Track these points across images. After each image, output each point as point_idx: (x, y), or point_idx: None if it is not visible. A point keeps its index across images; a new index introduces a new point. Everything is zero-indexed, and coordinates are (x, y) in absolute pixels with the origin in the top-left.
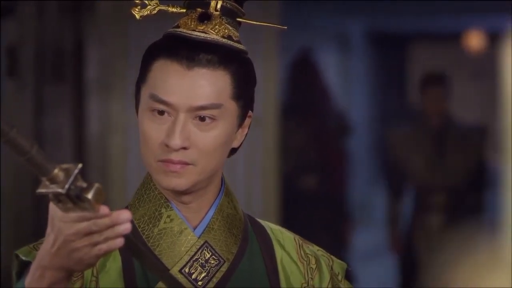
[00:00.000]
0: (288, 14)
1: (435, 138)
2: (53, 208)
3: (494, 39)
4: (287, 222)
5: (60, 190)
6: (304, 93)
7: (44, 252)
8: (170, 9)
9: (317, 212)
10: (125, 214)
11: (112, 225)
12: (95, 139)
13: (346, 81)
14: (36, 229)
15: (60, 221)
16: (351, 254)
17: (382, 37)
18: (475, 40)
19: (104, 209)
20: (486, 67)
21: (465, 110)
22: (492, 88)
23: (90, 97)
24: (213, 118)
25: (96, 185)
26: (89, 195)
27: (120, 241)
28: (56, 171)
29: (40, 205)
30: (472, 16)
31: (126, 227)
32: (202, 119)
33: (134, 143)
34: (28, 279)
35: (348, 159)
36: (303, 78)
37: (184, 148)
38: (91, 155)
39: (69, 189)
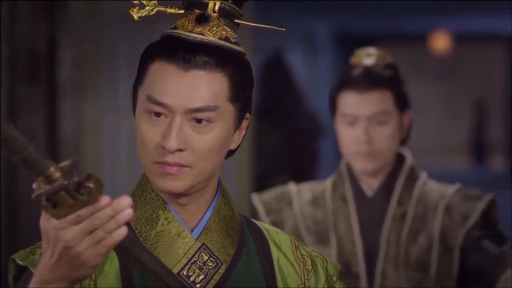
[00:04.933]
0: (256, 16)
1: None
2: (45, 220)
3: (460, 40)
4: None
5: (62, 182)
6: (277, 94)
7: (43, 266)
8: (168, 10)
9: None
10: (126, 200)
11: (114, 215)
12: (68, 140)
13: (312, 81)
14: (11, 236)
15: (57, 229)
16: None
17: (348, 38)
18: (441, 41)
19: (105, 199)
20: (451, 68)
21: (428, 112)
22: (457, 89)
23: (63, 98)
24: (209, 121)
25: (94, 175)
26: (90, 184)
27: (123, 230)
28: (52, 169)
29: (16, 211)
30: (438, 17)
31: (128, 212)
32: (198, 121)
33: (107, 144)
34: None
35: (319, 159)
36: (275, 79)
37: (180, 150)
38: (65, 156)
39: (69, 181)
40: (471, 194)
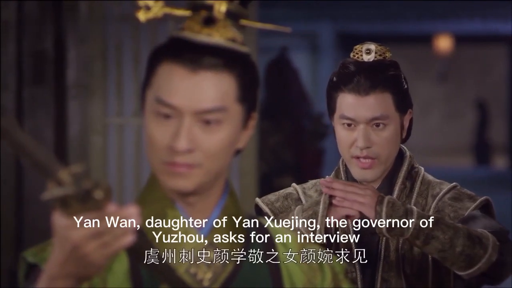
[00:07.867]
0: (260, 16)
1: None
2: (57, 219)
3: (460, 41)
4: None
5: (69, 190)
6: (281, 94)
7: (53, 262)
8: (175, 11)
9: None
10: (133, 209)
11: (120, 222)
12: (75, 140)
13: (315, 82)
14: (18, 233)
15: (66, 229)
16: None
17: (351, 38)
18: (442, 42)
19: (112, 207)
20: (452, 69)
21: (429, 113)
22: (458, 89)
23: (70, 99)
24: (218, 121)
25: (103, 182)
26: (98, 193)
27: (130, 237)
28: (63, 172)
29: (21, 210)
30: (440, 19)
31: (135, 221)
32: (207, 122)
33: (113, 144)
34: None
35: (323, 159)
36: (279, 79)
37: (189, 151)
38: (72, 156)
39: (78, 188)
40: (464, 194)
